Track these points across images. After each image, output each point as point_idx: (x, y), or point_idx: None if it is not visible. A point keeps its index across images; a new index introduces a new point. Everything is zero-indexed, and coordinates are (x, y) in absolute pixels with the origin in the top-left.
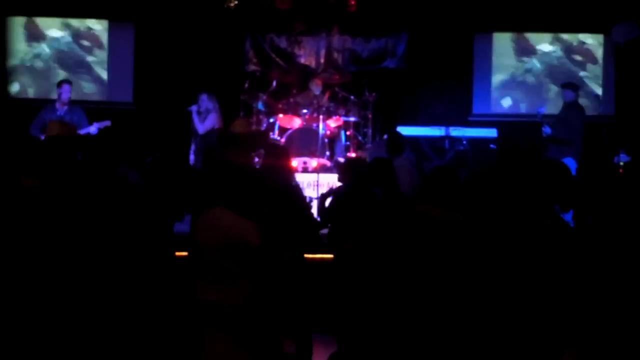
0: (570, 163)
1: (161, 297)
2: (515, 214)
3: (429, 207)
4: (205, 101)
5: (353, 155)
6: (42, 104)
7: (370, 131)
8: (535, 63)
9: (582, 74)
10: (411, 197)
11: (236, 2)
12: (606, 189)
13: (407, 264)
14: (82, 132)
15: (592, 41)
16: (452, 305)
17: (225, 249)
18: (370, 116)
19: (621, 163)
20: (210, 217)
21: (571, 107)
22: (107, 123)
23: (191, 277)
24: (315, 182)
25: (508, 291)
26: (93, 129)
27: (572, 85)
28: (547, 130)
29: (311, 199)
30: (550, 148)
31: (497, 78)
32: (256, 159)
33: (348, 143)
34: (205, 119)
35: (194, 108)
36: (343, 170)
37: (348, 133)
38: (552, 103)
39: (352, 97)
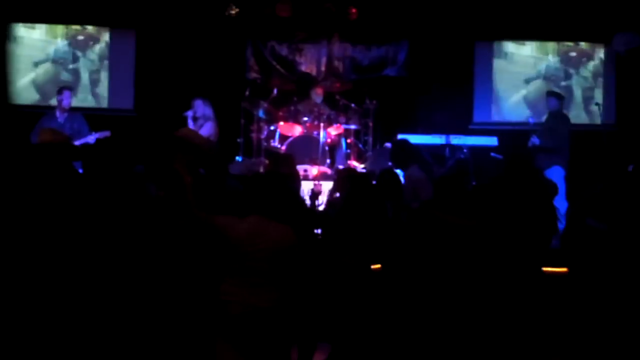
0: (559, 171)
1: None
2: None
3: (449, 215)
4: (200, 107)
5: (350, 165)
6: (43, 111)
7: (370, 139)
8: (535, 71)
9: (582, 83)
10: (427, 205)
11: (237, 10)
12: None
13: (429, 269)
14: (81, 141)
15: (593, 50)
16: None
17: (275, 255)
18: (370, 124)
19: None
20: (253, 226)
21: (556, 116)
22: (107, 133)
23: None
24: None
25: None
26: (91, 139)
27: (556, 93)
28: (534, 140)
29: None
30: (539, 157)
31: (497, 86)
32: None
33: (348, 151)
34: (202, 126)
35: (189, 113)
36: (338, 181)
37: (349, 141)
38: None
39: (352, 104)
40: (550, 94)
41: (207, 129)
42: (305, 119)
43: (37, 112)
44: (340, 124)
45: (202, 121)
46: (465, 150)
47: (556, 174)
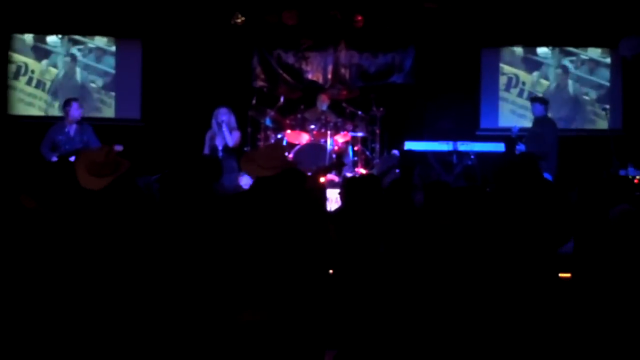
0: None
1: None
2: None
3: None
4: (225, 114)
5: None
6: (50, 122)
7: (378, 146)
8: (542, 77)
9: (589, 87)
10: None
11: (243, 19)
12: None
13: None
14: None
15: (600, 55)
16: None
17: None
18: (377, 131)
19: (630, 176)
20: None
21: (542, 122)
22: (119, 148)
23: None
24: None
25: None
26: None
27: (541, 99)
28: (520, 147)
29: None
30: None
31: (504, 93)
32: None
33: (356, 158)
34: (231, 133)
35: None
36: (343, 191)
37: (356, 148)
38: (559, 117)
39: (359, 112)
40: (534, 99)
41: (235, 136)
42: (312, 126)
43: (44, 123)
44: (347, 131)
45: (229, 127)
46: (472, 157)
47: None
